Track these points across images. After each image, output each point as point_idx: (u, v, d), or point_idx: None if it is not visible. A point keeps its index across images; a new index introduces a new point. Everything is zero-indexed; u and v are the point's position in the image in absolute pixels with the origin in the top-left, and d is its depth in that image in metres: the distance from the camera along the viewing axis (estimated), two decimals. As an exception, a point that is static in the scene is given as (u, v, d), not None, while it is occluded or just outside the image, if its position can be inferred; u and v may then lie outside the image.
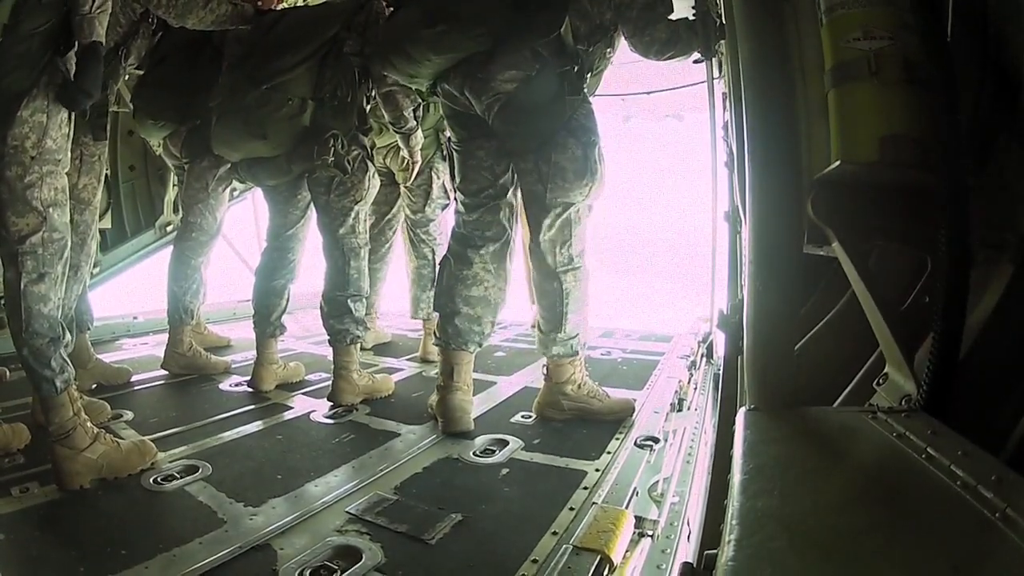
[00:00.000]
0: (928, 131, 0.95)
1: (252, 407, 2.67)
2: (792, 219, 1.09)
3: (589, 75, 2.23)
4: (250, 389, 2.89)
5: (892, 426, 0.89)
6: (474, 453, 2.16)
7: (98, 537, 1.57)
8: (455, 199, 2.54)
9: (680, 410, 2.77)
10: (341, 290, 2.74)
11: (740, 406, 1.11)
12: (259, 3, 2.70)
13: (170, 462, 2.03)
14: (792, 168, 1.08)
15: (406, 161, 3.18)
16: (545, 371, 2.54)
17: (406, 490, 1.88)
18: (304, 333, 4.24)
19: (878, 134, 0.99)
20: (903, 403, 1.00)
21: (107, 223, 4.08)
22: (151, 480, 1.89)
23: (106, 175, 2.69)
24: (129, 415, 2.49)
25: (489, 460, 2.11)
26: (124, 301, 4.60)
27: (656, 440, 2.21)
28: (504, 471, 2.03)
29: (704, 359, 3.63)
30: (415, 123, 2.91)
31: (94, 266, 3.43)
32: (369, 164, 2.71)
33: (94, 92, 1.79)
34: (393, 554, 1.51)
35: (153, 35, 2.68)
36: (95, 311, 3.06)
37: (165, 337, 3.20)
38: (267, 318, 2.93)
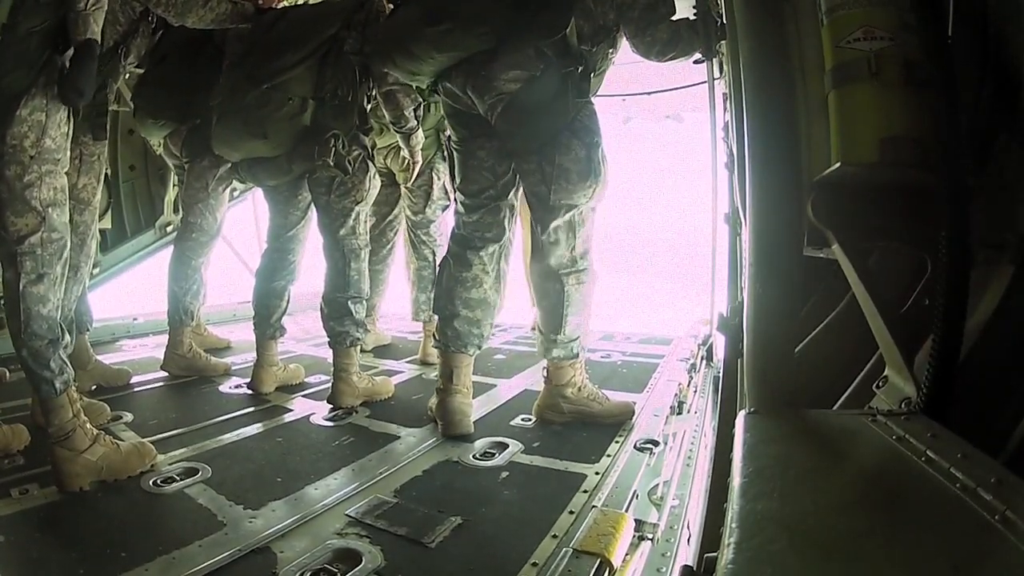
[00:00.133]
0: (928, 132, 0.95)
1: (252, 409, 2.66)
2: (792, 221, 1.09)
3: (593, 76, 2.22)
4: (250, 391, 2.88)
5: (892, 429, 0.88)
6: (474, 456, 2.16)
7: (98, 539, 1.57)
8: (455, 199, 2.52)
9: (680, 413, 2.77)
10: (341, 292, 2.73)
11: (740, 409, 1.10)
12: (259, 2, 2.69)
13: (170, 464, 2.02)
14: (792, 169, 1.08)
15: (407, 161, 3.18)
16: (545, 373, 2.53)
17: (406, 493, 1.88)
18: (304, 335, 4.24)
19: (878, 135, 0.99)
20: (903, 406, 0.99)
21: (107, 223, 4.08)
22: (151, 482, 1.89)
23: (106, 175, 2.69)
24: (129, 417, 2.48)
25: (489, 463, 2.11)
26: (124, 302, 4.60)
27: (656, 443, 2.20)
28: (504, 474, 2.03)
29: (704, 362, 3.63)
30: (416, 123, 2.91)
31: (94, 266, 3.43)
32: (370, 164, 2.71)
33: (87, 90, 1.78)
34: (393, 557, 1.51)
35: (153, 34, 2.68)
36: (95, 312, 3.06)
37: (165, 338, 3.20)
38: (267, 320, 2.93)
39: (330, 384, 2.73)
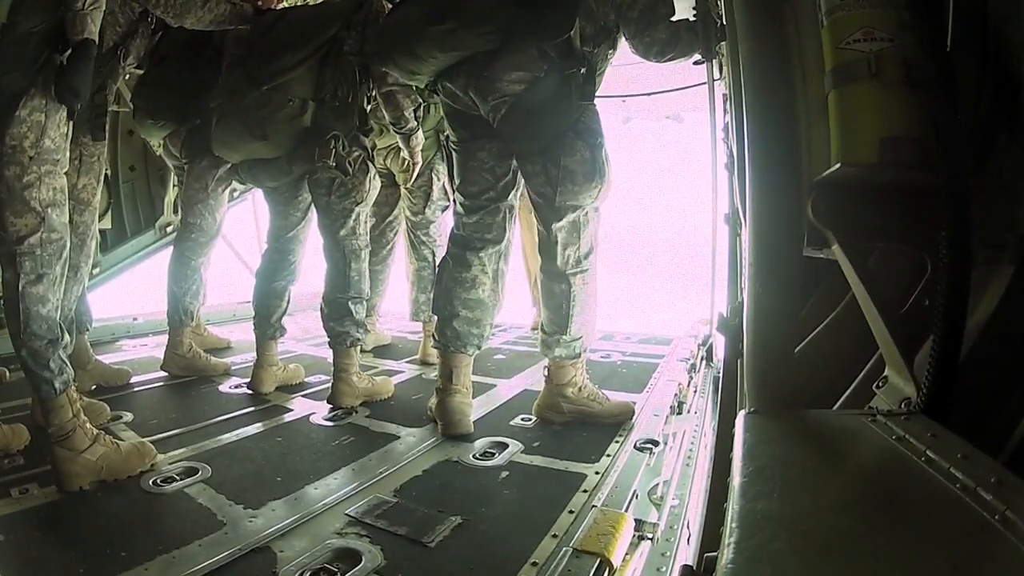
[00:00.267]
0: (928, 132, 0.95)
1: (252, 409, 2.66)
2: (792, 221, 1.09)
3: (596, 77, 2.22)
4: (250, 391, 2.88)
5: (892, 429, 0.88)
6: (474, 456, 2.16)
7: (97, 539, 1.57)
8: (454, 200, 2.52)
9: (680, 413, 2.77)
10: (342, 292, 2.73)
11: (740, 409, 1.10)
12: (258, 3, 2.69)
13: (170, 464, 2.02)
14: (792, 170, 1.08)
15: (406, 162, 3.17)
16: (546, 372, 2.53)
17: (406, 493, 1.88)
18: (304, 335, 4.24)
19: (878, 135, 0.99)
20: (903, 406, 0.99)
21: (107, 223, 4.09)
22: (151, 482, 1.89)
23: (106, 175, 2.69)
24: (129, 416, 2.48)
25: (489, 463, 2.11)
26: (124, 302, 4.60)
27: (656, 443, 2.21)
28: (504, 474, 2.03)
29: (704, 362, 3.63)
30: (416, 124, 2.90)
31: (94, 267, 3.43)
32: (370, 165, 2.71)
33: (83, 90, 1.78)
34: (393, 556, 1.51)
35: (153, 35, 2.68)
36: (95, 312, 3.06)
37: (165, 338, 3.20)
38: (267, 320, 2.93)
39: (330, 384, 2.73)
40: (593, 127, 2.23)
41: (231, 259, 5.47)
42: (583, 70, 2.13)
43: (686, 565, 1.07)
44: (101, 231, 3.95)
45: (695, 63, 2.30)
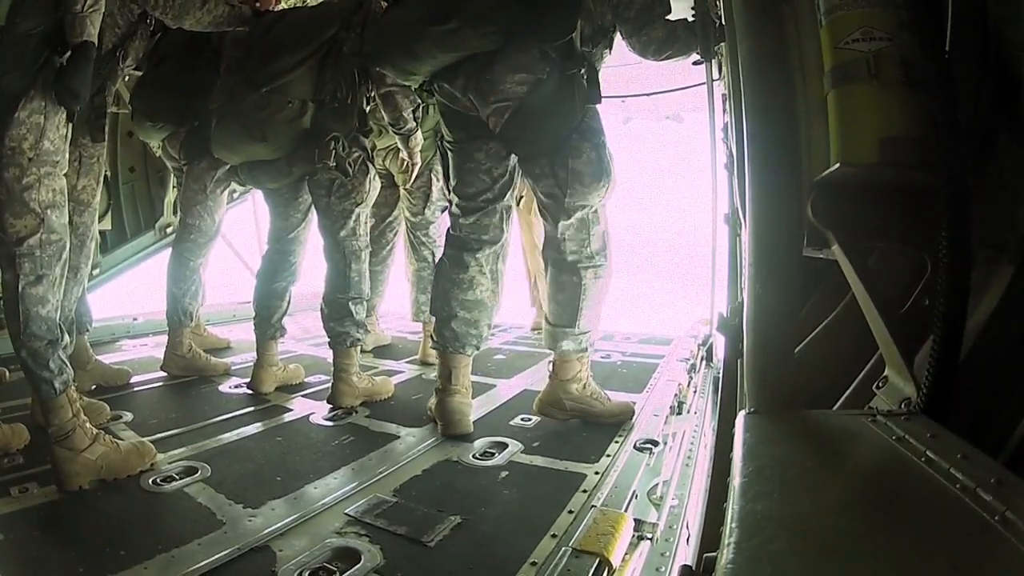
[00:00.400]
0: (928, 132, 0.95)
1: (252, 409, 2.66)
2: (792, 221, 1.09)
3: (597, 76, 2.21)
4: (250, 391, 2.88)
5: (892, 429, 0.88)
6: (473, 456, 2.16)
7: (97, 538, 1.57)
8: (450, 201, 2.50)
9: (680, 413, 2.77)
10: (342, 292, 2.73)
11: (740, 409, 1.10)
12: (257, 4, 2.69)
13: (169, 463, 2.02)
14: (792, 170, 1.08)
15: (406, 163, 3.17)
16: (551, 367, 2.51)
17: (405, 492, 1.88)
18: (304, 335, 4.24)
19: (878, 135, 0.99)
20: (903, 406, 0.99)
21: (107, 224, 4.09)
22: (150, 481, 1.89)
23: (106, 176, 2.69)
24: (128, 416, 2.48)
25: (488, 463, 2.11)
26: (124, 302, 4.60)
27: (656, 443, 2.21)
28: (503, 474, 2.03)
29: (704, 362, 3.63)
30: (414, 124, 2.90)
31: (94, 268, 3.43)
32: (370, 166, 2.70)
33: (82, 92, 1.78)
34: (392, 556, 1.51)
35: (151, 36, 2.68)
36: (94, 312, 3.06)
37: (165, 338, 3.20)
38: (268, 320, 2.93)
39: (330, 384, 2.73)
40: (595, 126, 2.23)
41: (231, 259, 5.47)
42: (584, 71, 2.12)
43: (685, 565, 1.07)
44: (101, 232, 3.95)
45: (694, 63, 2.30)
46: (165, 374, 3.11)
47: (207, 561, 1.46)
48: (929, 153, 0.95)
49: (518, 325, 4.81)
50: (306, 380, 3.10)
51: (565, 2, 2.06)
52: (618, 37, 2.25)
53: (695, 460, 2.35)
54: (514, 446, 2.23)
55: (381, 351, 3.90)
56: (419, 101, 2.84)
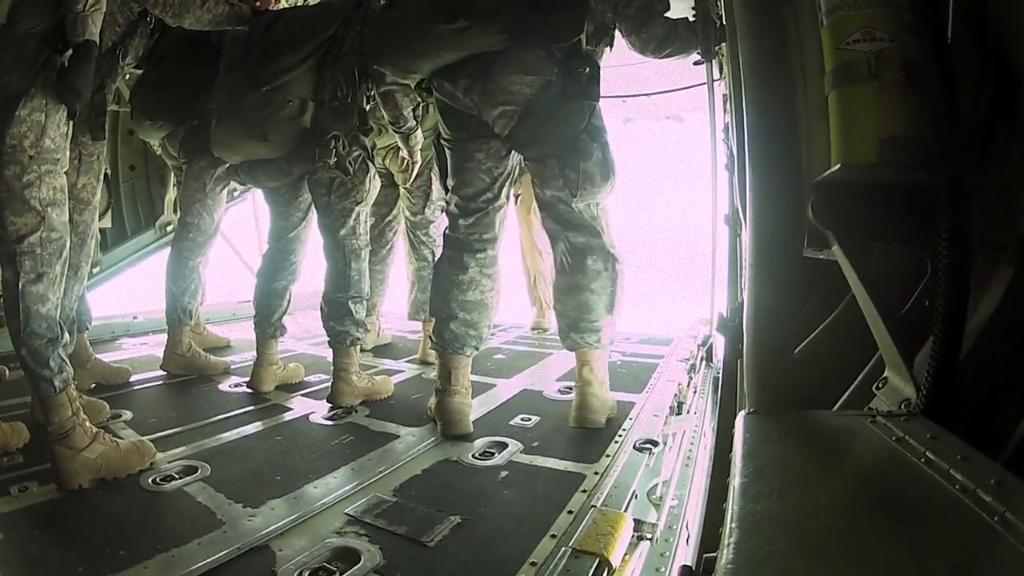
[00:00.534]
0: (928, 132, 0.95)
1: (251, 408, 2.66)
2: (792, 222, 1.09)
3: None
4: (249, 390, 2.89)
5: (891, 430, 0.88)
6: (473, 455, 2.16)
7: (97, 537, 1.57)
8: (448, 201, 2.48)
9: (679, 413, 2.77)
10: (342, 292, 2.73)
11: (740, 409, 1.10)
12: (256, 3, 2.69)
13: (169, 462, 2.02)
14: (792, 171, 1.08)
15: (406, 162, 3.16)
16: (578, 372, 2.42)
17: (405, 492, 1.88)
18: (304, 334, 4.24)
19: (878, 136, 0.99)
20: (902, 407, 0.99)
21: (107, 223, 4.09)
22: (150, 480, 1.89)
23: (106, 174, 2.69)
24: (128, 415, 2.48)
25: (488, 463, 2.11)
26: (124, 301, 4.60)
27: (655, 443, 2.20)
28: (503, 474, 2.03)
29: (704, 362, 3.63)
30: (414, 123, 2.89)
31: (94, 266, 3.43)
32: (370, 165, 2.70)
33: (84, 91, 1.79)
34: (392, 556, 1.51)
35: (151, 35, 2.68)
36: (94, 311, 3.06)
37: (165, 337, 3.20)
38: (268, 319, 2.93)
39: (330, 383, 2.73)
40: (600, 125, 2.24)
41: (231, 258, 5.47)
42: (588, 70, 2.12)
43: (685, 565, 1.07)
44: (101, 230, 3.95)
45: (695, 63, 2.30)
46: (165, 373, 3.11)
47: (207, 561, 1.46)
48: (929, 153, 0.95)
49: (518, 325, 4.80)
50: (306, 379, 3.10)
51: (572, 3, 2.05)
52: (618, 35, 2.24)
53: (695, 460, 2.35)
54: (514, 446, 2.23)
55: (381, 350, 3.90)
56: (419, 100, 2.84)
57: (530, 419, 2.52)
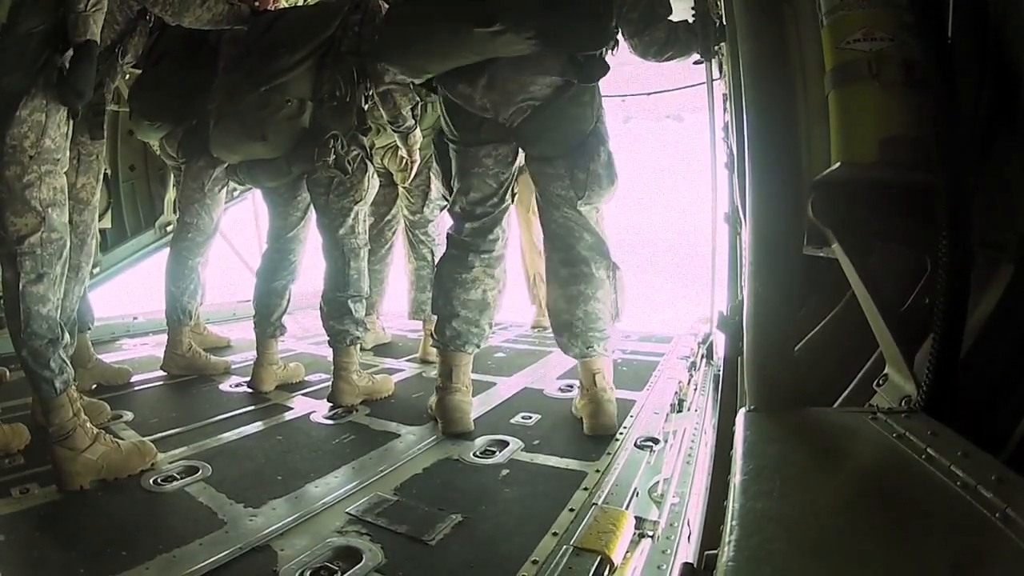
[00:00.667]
0: (928, 132, 0.95)
1: (252, 408, 2.66)
2: (792, 220, 1.10)
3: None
4: (250, 390, 2.89)
5: (892, 427, 0.89)
6: (474, 454, 2.16)
7: (98, 538, 1.57)
8: (452, 202, 2.46)
9: (680, 411, 2.77)
10: (341, 291, 2.73)
11: (740, 407, 1.11)
12: (256, 3, 2.69)
13: (170, 463, 2.02)
14: (792, 169, 1.08)
15: (404, 161, 3.16)
16: (589, 380, 2.37)
17: (406, 491, 1.88)
18: (304, 333, 4.24)
19: (878, 135, 0.99)
20: (903, 404, 1.00)
21: (107, 223, 4.08)
22: (151, 481, 1.89)
23: (106, 174, 2.69)
24: (129, 416, 2.48)
25: (489, 461, 2.11)
26: (124, 301, 4.60)
27: (656, 441, 2.21)
28: (504, 472, 2.03)
29: (704, 360, 3.63)
30: (413, 123, 2.88)
31: (94, 266, 3.43)
32: (369, 164, 2.70)
33: (86, 91, 1.79)
34: (393, 555, 1.51)
35: (150, 34, 2.68)
36: (95, 311, 3.06)
37: (165, 337, 3.20)
38: (268, 318, 2.93)
39: (330, 383, 2.73)
40: (604, 129, 2.25)
41: (231, 258, 5.47)
42: (601, 72, 2.14)
43: (687, 563, 1.08)
44: (101, 230, 3.94)
45: (695, 63, 2.30)
46: (165, 373, 3.11)
47: (208, 561, 1.46)
48: (929, 153, 0.95)
49: (518, 323, 4.81)
50: (306, 379, 3.10)
51: (601, 13, 2.04)
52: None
53: (696, 458, 2.35)
54: (515, 444, 2.24)
55: (381, 349, 3.90)
56: (417, 99, 2.84)
57: (531, 417, 2.52)
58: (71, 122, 1.85)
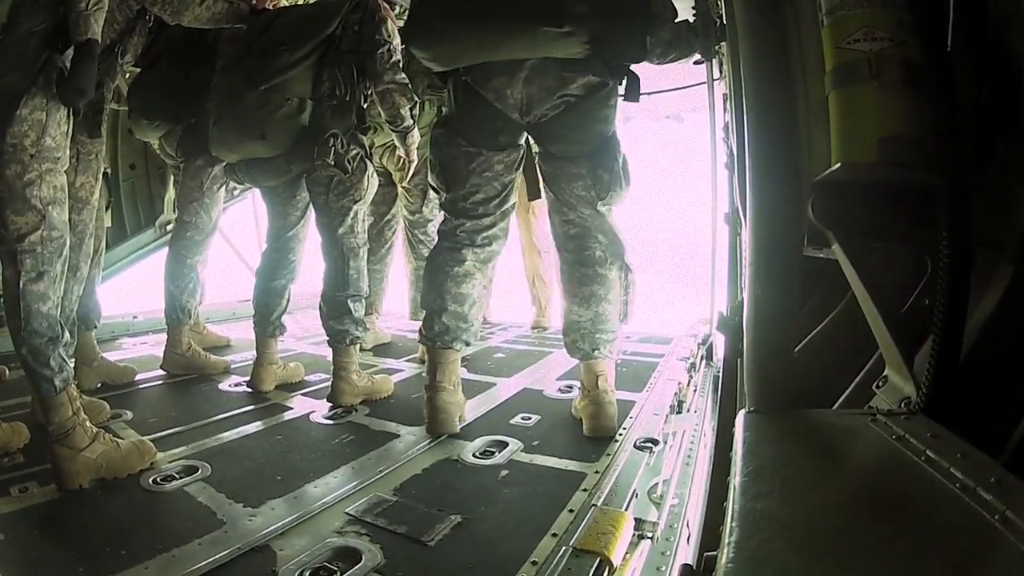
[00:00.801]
0: (928, 132, 0.95)
1: (251, 407, 2.66)
2: (792, 221, 1.10)
3: None
4: (249, 389, 2.89)
5: (891, 428, 0.89)
6: (473, 455, 2.16)
7: (97, 537, 1.57)
8: (451, 201, 2.40)
9: (680, 412, 2.77)
10: (340, 290, 2.73)
11: (740, 408, 1.11)
12: (255, 2, 2.69)
13: (169, 462, 2.02)
14: (792, 170, 1.08)
15: (403, 160, 3.16)
16: (592, 381, 2.37)
17: (405, 491, 1.88)
18: (303, 333, 4.24)
19: (878, 135, 0.99)
20: (903, 405, 1.00)
21: (107, 221, 4.08)
22: (150, 480, 1.89)
23: (106, 173, 2.69)
24: (128, 415, 2.48)
25: (488, 462, 2.11)
26: (124, 300, 4.61)
27: (656, 442, 2.20)
28: (504, 473, 2.03)
29: (704, 361, 3.63)
30: (412, 122, 2.87)
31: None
32: (368, 163, 2.70)
33: (88, 90, 1.79)
34: (392, 555, 1.51)
35: (150, 33, 2.68)
36: (97, 310, 3.06)
37: (165, 336, 3.20)
38: (267, 318, 2.93)
39: (330, 382, 2.73)
40: (617, 133, 2.27)
41: (231, 258, 5.47)
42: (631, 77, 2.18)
43: (686, 564, 1.08)
44: (101, 229, 3.94)
45: (695, 63, 2.31)
46: (165, 372, 3.11)
47: (208, 561, 1.46)
48: (929, 153, 0.95)
49: (518, 324, 4.81)
50: (306, 378, 3.09)
51: (640, 28, 2.05)
52: None
53: (695, 459, 2.35)
54: (514, 445, 2.23)
55: (381, 349, 3.90)
56: (416, 99, 2.83)
57: (530, 418, 2.52)
58: (71, 121, 1.85)
